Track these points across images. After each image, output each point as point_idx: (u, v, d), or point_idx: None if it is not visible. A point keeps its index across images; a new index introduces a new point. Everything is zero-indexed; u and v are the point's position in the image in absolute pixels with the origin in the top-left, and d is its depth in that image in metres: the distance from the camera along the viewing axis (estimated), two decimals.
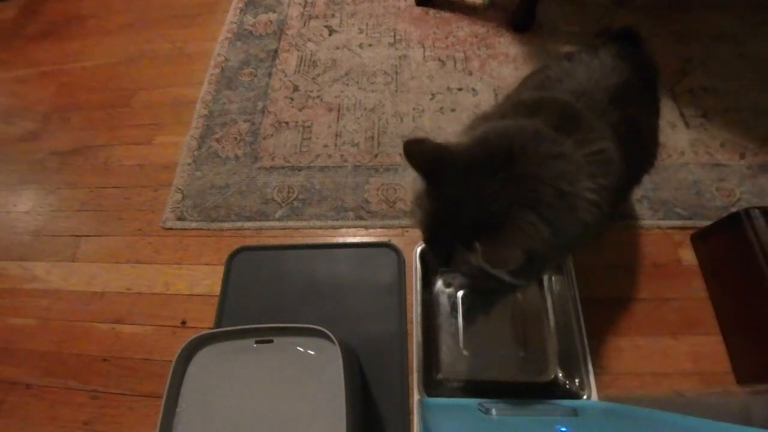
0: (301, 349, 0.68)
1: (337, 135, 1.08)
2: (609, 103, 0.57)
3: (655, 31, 1.15)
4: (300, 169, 1.04)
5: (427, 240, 0.54)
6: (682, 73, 1.08)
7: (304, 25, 1.33)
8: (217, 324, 0.85)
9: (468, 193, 0.48)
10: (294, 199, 0.99)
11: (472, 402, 0.68)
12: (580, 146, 0.51)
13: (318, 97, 1.16)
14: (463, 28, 1.25)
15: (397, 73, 1.18)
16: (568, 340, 0.75)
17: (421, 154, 0.50)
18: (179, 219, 1.00)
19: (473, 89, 1.12)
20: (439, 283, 0.84)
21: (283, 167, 1.05)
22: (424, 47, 1.22)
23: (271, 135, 1.10)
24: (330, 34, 1.29)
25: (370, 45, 1.25)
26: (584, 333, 0.75)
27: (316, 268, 0.90)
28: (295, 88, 1.18)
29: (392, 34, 1.26)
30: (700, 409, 0.55)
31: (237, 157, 1.08)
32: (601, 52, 0.63)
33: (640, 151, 0.64)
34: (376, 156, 1.04)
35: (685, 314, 0.80)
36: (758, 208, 0.73)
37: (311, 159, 1.05)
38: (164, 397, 0.63)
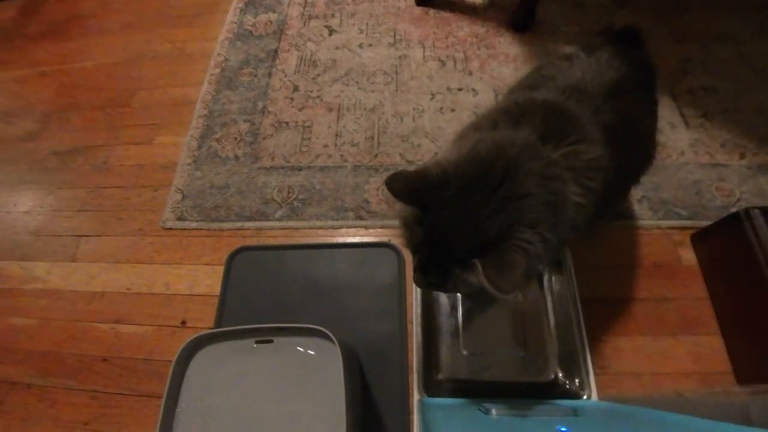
0: (301, 349, 0.68)
1: (337, 135, 1.08)
2: (604, 99, 0.57)
3: (655, 31, 1.15)
4: (300, 169, 1.04)
5: (420, 264, 0.52)
6: (682, 73, 1.08)
7: (304, 25, 1.33)
8: (217, 324, 0.85)
9: (463, 216, 0.47)
10: (294, 199, 0.99)
11: (472, 402, 0.68)
12: (568, 156, 0.51)
13: (318, 97, 1.16)
14: (463, 28, 1.25)
15: (397, 73, 1.18)
16: (568, 340, 0.75)
17: (405, 186, 0.49)
18: (179, 219, 1.00)
19: (473, 89, 1.12)
20: None
21: (283, 167, 1.05)
22: (424, 47, 1.22)
23: (271, 135, 1.10)
24: (330, 34, 1.29)
25: (370, 45, 1.25)
26: (584, 333, 0.75)
27: (316, 268, 0.90)
28: (295, 88, 1.18)
29: (392, 34, 1.26)
30: (700, 409, 0.55)
31: (237, 157, 1.08)
32: (599, 51, 0.63)
33: (637, 149, 0.64)
34: (376, 156, 1.04)
35: (685, 314, 0.80)
36: (758, 208, 0.73)
37: (311, 159, 1.05)
38: (164, 397, 0.63)
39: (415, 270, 0.54)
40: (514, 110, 0.57)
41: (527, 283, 0.44)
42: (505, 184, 0.47)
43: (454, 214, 0.47)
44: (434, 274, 0.51)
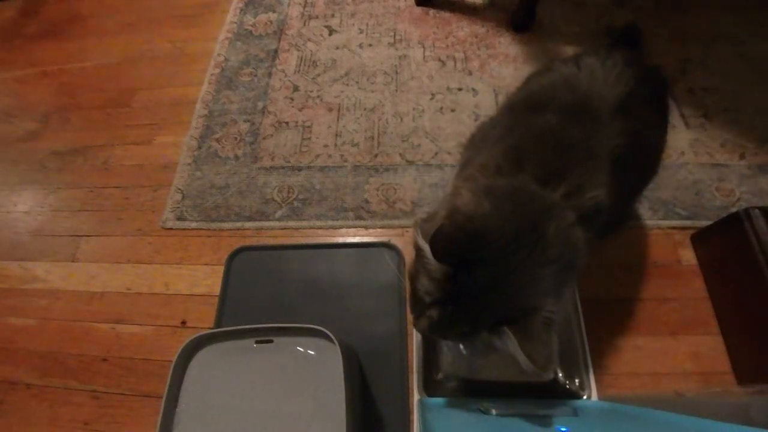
0: (301, 349, 0.68)
1: (337, 135, 1.08)
2: (611, 115, 0.55)
3: (655, 31, 1.15)
4: (300, 169, 1.04)
5: (438, 319, 0.49)
6: (682, 73, 1.08)
7: (304, 25, 1.33)
8: (217, 324, 0.85)
9: (501, 279, 0.46)
10: (294, 199, 0.99)
11: (472, 402, 0.68)
12: (570, 197, 0.51)
13: (318, 97, 1.16)
14: (463, 28, 1.25)
15: (397, 73, 1.18)
16: (568, 340, 0.75)
17: (449, 247, 0.46)
18: (179, 219, 1.00)
19: (473, 89, 1.12)
20: None
21: (283, 167, 1.05)
22: (424, 47, 1.22)
23: (271, 135, 1.10)
24: (330, 34, 1.29)
25: (370, 45, 1.25)
26: (584, 333, 0.75)
27: (316, 268, 0.90)
28: (295, 88, 1.18)
29: (392, 34, 1.26)
30: (700, 409, 0.55)
31: (237, 157, 1.08)
32: (608, 59, 0.60)
33: (643, 166, 0.63)
34: (376, 156, 1.04)
35: (685, 314, 0.80)
36: (758, 208, 0.73)
37: (311, 159, 1.05)
38: (164, 397, 0.63)
39: (420, 318, 0.51)
40: (513, 153, 0.56)
41: (556, 360, 0.44)
42: (538, 247, 0.46)
43: (493, 276, 0.46)
44: (453, 331, 0.50)
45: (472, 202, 0.51)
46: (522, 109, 0.65)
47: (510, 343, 0.45)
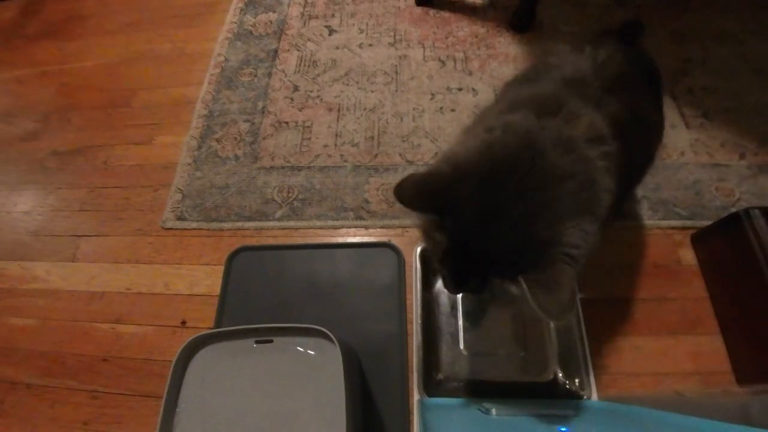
0: (301, 349, 0.68)
1: (337, 135, 1.08)
2: (606, 92, 0.55)
3: (654, 31, 1.15)
4: (300, 169, 1.04)
5: (452, 272, 0.46)
6: (682, 73, 1.08)
7: (304, 25, 1.33)
8: (217, 324, 0.85)
9: (491, 214, 0.41)
10: (294, 199, 0.99)
11: (472, 402, 0.68)
12: (569, 121, 0.49)
13: (318, 97, 1.16)
14: (463, 28, 1.25)
15: (397, 73, 1.18)
16: (568, 340, 0.75)
17: (415, 192, 0.43)
18: (179, 219, 1.00)
19: (473, 89, 1.12)
20: (439, 283, 0.84)
21: (283, 167, 1.05)
22: (424, 47, 1.22)
23: (271, 135, 1.10)
24: (330, 34, 1.29)
25: (370, 45, 1.25)
26: (584, 333, 0.75)
27: (316, 268, 0.90)
28: (295, 88, 1.18)
29: (392, 34, 1.26)
30: (700, 409, 0.55)
31: (237, 157, 1.08)
32: (603, 45, 0.62)
33: (642, 141, 0.63)
34: (376, 156, 1.04)
35: (685, 314, 0.80)
36: (758, 208, 0.73)
37: (311, 159, 1.05)
38: (164, 397, 0.63)
39: (443, 278, 0.48)
40: (516, 101, 0.56)
41: (574, 305, 0.38)
42: (537, 165, 0.41)
43: (480, 213, 0.42)
44: (470, 282, 0.46)
45: (457, 144, 0.49)
46: (518, 82, 0.66)
47: (524, 291, 0.40)
